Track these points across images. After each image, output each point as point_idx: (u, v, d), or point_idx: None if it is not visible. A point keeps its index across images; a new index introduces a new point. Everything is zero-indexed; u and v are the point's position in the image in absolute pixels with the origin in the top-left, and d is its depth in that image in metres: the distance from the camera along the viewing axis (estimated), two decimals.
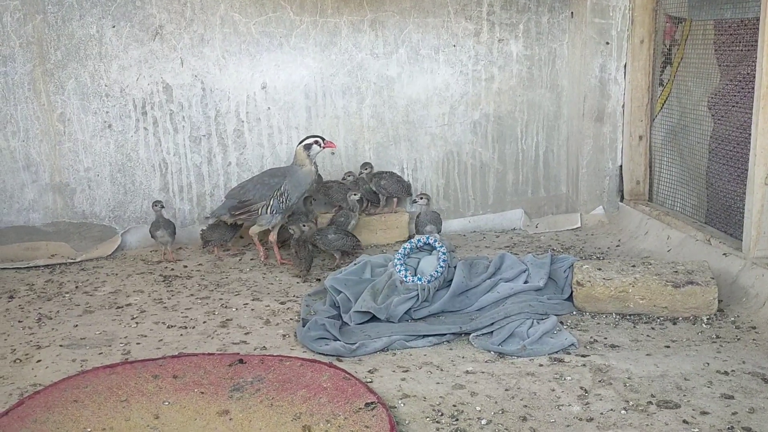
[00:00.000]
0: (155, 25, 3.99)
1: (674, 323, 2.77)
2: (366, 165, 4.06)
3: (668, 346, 2.56)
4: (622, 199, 4.16)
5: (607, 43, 3.99)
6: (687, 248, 3.39)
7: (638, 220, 3.90)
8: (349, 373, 2.38)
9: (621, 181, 4.16)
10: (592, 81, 4.07)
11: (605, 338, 2.66)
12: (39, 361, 2.64)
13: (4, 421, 2.14)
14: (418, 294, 2.84)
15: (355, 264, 3.20)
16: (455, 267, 3.02)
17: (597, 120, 4.12)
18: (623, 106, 4.06)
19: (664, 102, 3.85)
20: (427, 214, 3.76)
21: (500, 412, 2.16)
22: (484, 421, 2.10)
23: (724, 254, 3.11)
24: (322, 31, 4.09)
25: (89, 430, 2.11)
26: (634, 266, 2.98)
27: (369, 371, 2.45)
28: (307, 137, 3.66)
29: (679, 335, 2.66)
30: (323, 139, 3.61)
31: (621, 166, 4.14)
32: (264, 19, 4.05)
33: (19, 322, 3.07)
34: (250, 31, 4.06)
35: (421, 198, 3.78)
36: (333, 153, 4.17)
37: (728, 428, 2.00)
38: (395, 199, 4.17)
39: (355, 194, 3.79)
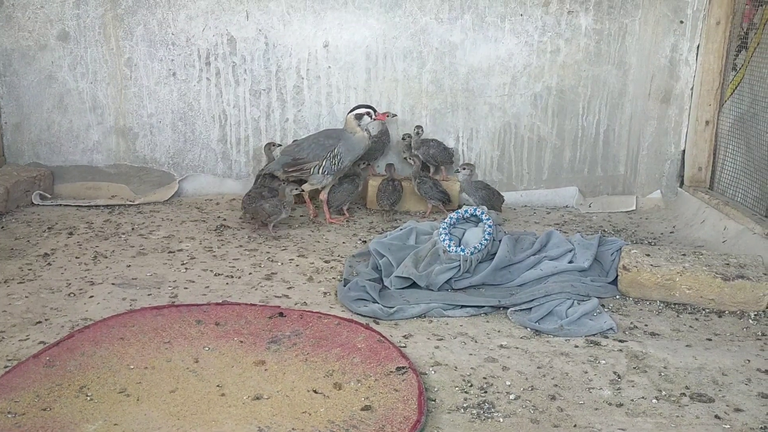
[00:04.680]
0: None
1: (720, 316, 2.71)
2: (418, 128, 4.04)
3: (710, 339, 2.51)
4: (681, 184, 4.04)
5: (681, 21, 3.84)
6: (743, 241, 3.28)
7: (696, 208, 3.79)
8: (383, 336, 2.42)
9: (682, 166, 4.03)
10: (661, 60, 3.93)
11: (646, 325, 2.62)
12: (91, 296, 2.77)
13: (54, 352, 2.27)
14: (460, 265, 2.85)
15: (401, 229, 3.22)
16: (500, 241, 3.01)
17: (663, 101, 3.99)
18: (692, 88, 3.91)
19: (736, 88, 3.70)
20: (470, 184, 3.74)
21: (530, 388, 2.17)
22: (512, 396, 2.12)
23: None
24: None
25: (132, 366, 2.21)
26: (684, 255, 2.91)
27: (404, 336, 2.49)
28: (359, 106, 3.66)
29: (723, 329, 2.60)
30: (375, 111, 3.62)
31: (684, 150, 4.02)
32: None
33: (76, 258, 3.21)
34: None
35: (464, 168, 3.76)
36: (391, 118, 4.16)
37: (761, 428, 1.97)
38: (443, 168, 4.15)
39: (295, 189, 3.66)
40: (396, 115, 4.14)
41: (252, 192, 3.74)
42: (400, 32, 4.13)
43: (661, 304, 2.81)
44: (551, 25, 4.13)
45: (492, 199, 3.80)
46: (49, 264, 3.12)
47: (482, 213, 3.06)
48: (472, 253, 2.87)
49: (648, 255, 2.90)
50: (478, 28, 4.13)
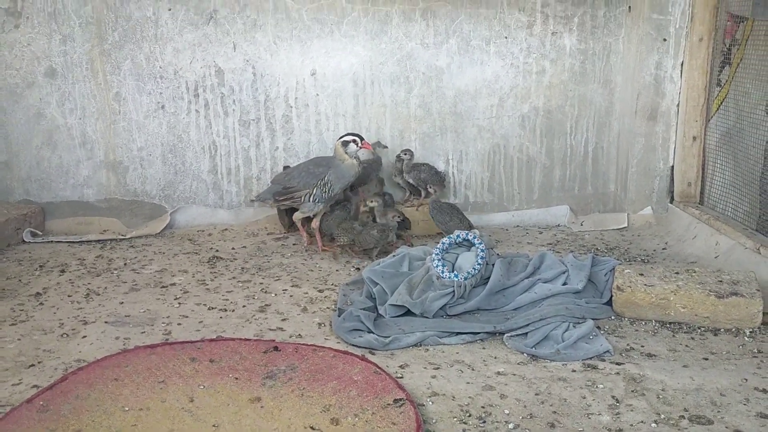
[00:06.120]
0: (210, 9, 4.05)
1: (715, 334, 2.71)
2: (407, 151, 4.06)
3: (706, 359, 2.51)
4: (671, 200, 4.06)
5: (665, 39, 3.88)
6: (735, 256, 3.30)
7: (687, 223, 3.81)
8: (380, 368, 2.41)
9: (672, 182, 4.06)
10: (646, 78, 3.97)
11: (642, 346, 2.62)
12: (84, 336, 2.74)
13: (48, 395, 2.24)
14: (454, 290, 2.85)
15: (393, 256, 3.22)
16: (494, 264, 3.01)
17: (650, 118, 4.02)
18: (678, 105, 3.95)
19: (721, 103, 3.74)
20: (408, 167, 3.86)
21: (528, 416, 2.15)
22: (511, 425, 2.10)
23: None
24: (373, 19, 4.09)
25: (127, 408, 2.19)
26: (677, 273, 2.91)
27: (400, 366, 2.47)
28: (346, 134, 3.68)
29: (719, 347, 2.60)
30: (361, 139, 3.63)
31: (672, 166, 4.04)
32: (316, 6, 4.06)
33: (69, 296, 3.19)
34: (302, 18, 4.08)
35: (405, 154, 3.98)
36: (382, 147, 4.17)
37: None
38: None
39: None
40: (386, 147, 4.13)
41: (329, 216, 3.79)
42: (387, 58, 4.16)
43: (657, 324, 2.81)
44: (536, 47, 4.17)
45: (433, 177, 3.99)
46: (41, 304, 3.10)
47: (474, 237, 3.06)
48: (465, 279, 2.87)
49: (641, 274, 2.91)
50: (463, 51, 4.16)
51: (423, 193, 4.12)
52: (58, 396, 2.24)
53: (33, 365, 2.51)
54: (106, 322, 2.88)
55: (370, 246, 3.57)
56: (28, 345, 2.67)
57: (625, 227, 4.11)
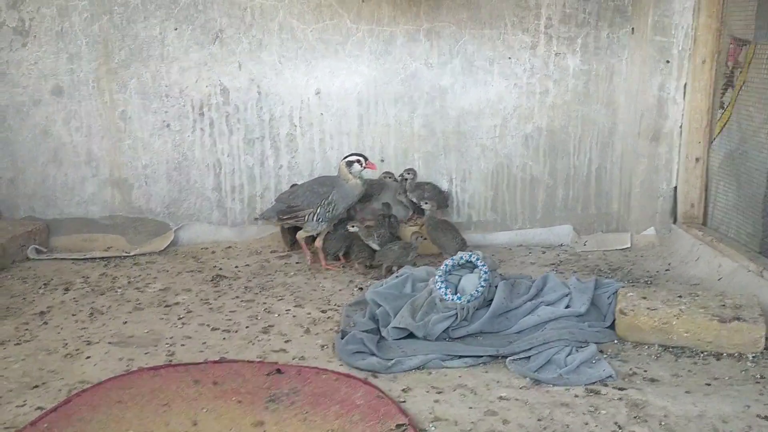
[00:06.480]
0: (216, 29, 4.09)
1: (718, 359, 2.71)
2: (410, 170, 4.07)
3: (709, 384, 2.51)
4: (675, 221, 4.07)
5: (668, 61, 3.90)
6: (738, 278, 3.30)
7: (690, 245, 3.81)
8: (382, 392, 2.41)
9: (675, 202, 4.06)
10: (650, 99, 3.99)
11: (645, 371, 2.62)
12: (88, 357, 2.75)
13: (52, 418, 2.25)
14: (456, 313, 2.85)
15: (397, 277, 3.23)
16: (497, 286, 3.02)
17: (653, 139, 4.03)
18: (681, 126, 3.97)
19: (724, 125, 3.75)
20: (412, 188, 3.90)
21: None
22: None
23: None
24: (378, 39, 4.12)
25: None
26: (680, 296, 2.92)
27: (403, 390, 2.48)
28: (351, 154, 3.71)
29: (722, 372, 2.60)
30: (365, 159, 3.66)
31: (676, 187, 4.05)
32: (321, 26, 4.09)
33: (73, 315, 3.20)
34: (307, 38, 4.11)
35: (408, 172, 4.02)
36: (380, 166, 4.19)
37: None
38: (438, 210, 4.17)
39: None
40: (396, 180, 4.12)
41: (333, 235, 3.82)
42: (391, 78, 4.18)
43: (660, 348, 2.80)
44: (539, 67, 4.19)
45: (436, 196, 4.02)
46: (45, 323, 3.11)
47: (477, 259, 3.07)
48: (468, 301, 2.88)
49: (644, 298, 2.91)
50: (467, 72, 4.18)
51: (427, 213, 4.13)
52: (62, 419, 2.25)
53: (37, 386, 2.52)
54: (109, 343, 2.89)
55: (388, 263, 3.59)
56: (33, 365, 2.69)
57: (628, 247, 4.12)
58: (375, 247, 3.70)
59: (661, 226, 4.10)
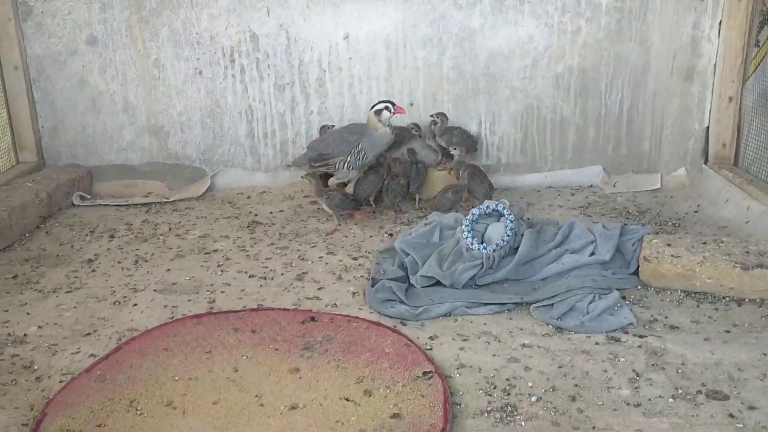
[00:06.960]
0: None
1: (739, 305, 2.77)
2: (439, 114, 4.09)
3: (728, 331, 2.58)
4: (706, 161, 4.05)
5: None
6: (766, 222, 3.31)
7: (720, 186, 3.81)
8: (410, 340, 2.54)
9: (706, 143, 4.03)
10: (683, 38, 3.91)
11: (666, 317, 2.69)
12: (135, 305, 2.93)
13: (104, 365, 2.44)
14: (482, 262, 2.94)
15: (425, 224, 3.32)
16: (522, 235, 3.09)
17: (686, 78, 3.97)
18: (715, 65, 3.89)
19: (759, 64, 3.67)
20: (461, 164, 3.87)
21: (551, 389, 2.27)
22: (534, 398, 2.23)
23: None
24: None
25: (177, 378, 2.37)
26: (705, 243, 2.96)
27: (430, 338, 2.60)
28: (378, 102, 3.74)
29: (742, 319, 2.66)
30: (393, 105, 3.69)
31: (708, 127, 4.01)
32: None
33: (119, 262, 3.38)
34: None
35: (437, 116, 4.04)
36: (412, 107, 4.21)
37: None
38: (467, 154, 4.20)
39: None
40: (420, 135, 4.18)
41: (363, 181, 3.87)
42: (419, 20, 4.16)
43: (682, 294, 2.87)
44: (571, 5, 4.11)
45: (465, 140, 4.06)
46: (93, 270, 3.30)
47: (503, 208, 3.13)
48: (494, 251, 2.96)
49: (669, 245, 2.96)
50: (497, 11, 4.13)
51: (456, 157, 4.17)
52: (114, 366, 2.44)
53: (89, 334, 2.70)
54: (154, 290, 3.06)
55: (446, 208, 3.71)
56: (84, 313, 2.87)
57: (658, 188, 4.12)
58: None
59: (691, 167, 4.09)
